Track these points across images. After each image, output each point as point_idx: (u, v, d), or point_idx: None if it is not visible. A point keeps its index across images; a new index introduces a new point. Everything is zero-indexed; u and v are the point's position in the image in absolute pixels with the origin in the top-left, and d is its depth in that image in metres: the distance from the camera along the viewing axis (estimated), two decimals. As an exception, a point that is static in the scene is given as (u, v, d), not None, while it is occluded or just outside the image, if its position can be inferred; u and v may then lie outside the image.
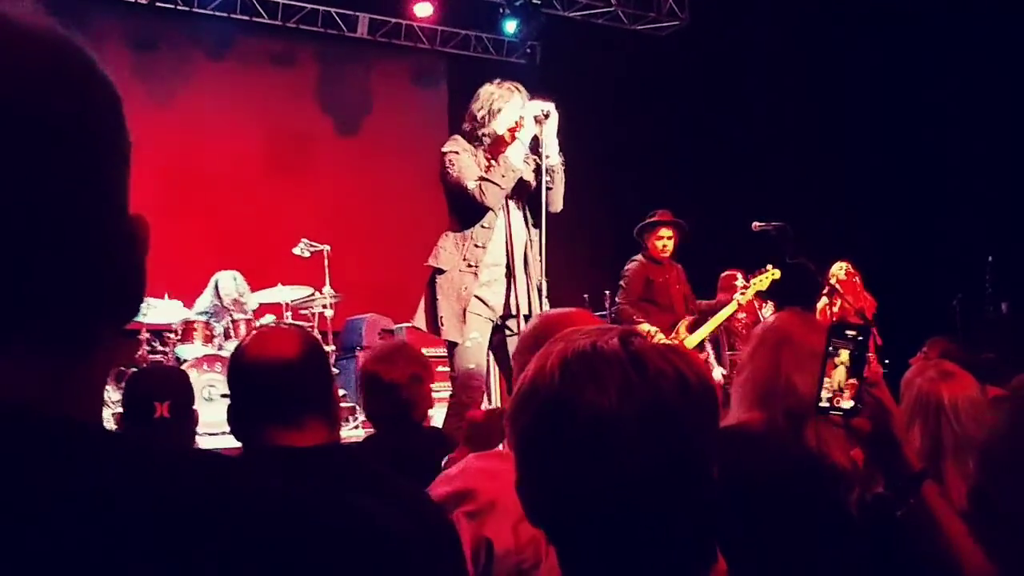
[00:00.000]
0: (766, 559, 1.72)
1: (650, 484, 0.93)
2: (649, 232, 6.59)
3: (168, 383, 2.94)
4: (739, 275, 7.46)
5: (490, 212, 4.36)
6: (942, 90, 8.27)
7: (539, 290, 4.39)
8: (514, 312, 4.37)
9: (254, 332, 1.97)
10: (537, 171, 4.41)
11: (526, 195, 4.52)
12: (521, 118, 4.33)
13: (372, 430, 3.47)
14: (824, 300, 7.33)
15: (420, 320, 4.47)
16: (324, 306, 7.55)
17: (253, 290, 7.88)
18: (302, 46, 10.64)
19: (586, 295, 8.44)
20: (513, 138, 4.35)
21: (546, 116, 4.29)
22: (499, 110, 4.41)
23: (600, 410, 0.92)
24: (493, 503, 1.81)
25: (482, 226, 4.38)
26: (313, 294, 7.73)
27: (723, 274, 7.72)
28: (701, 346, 6.39)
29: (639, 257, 6.63)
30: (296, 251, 7.65)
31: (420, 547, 0.66)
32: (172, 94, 9.94)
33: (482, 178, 4.29)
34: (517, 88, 4.49)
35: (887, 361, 7.02)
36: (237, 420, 1.87)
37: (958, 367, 2.37)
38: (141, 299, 0.67)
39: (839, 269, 7.41)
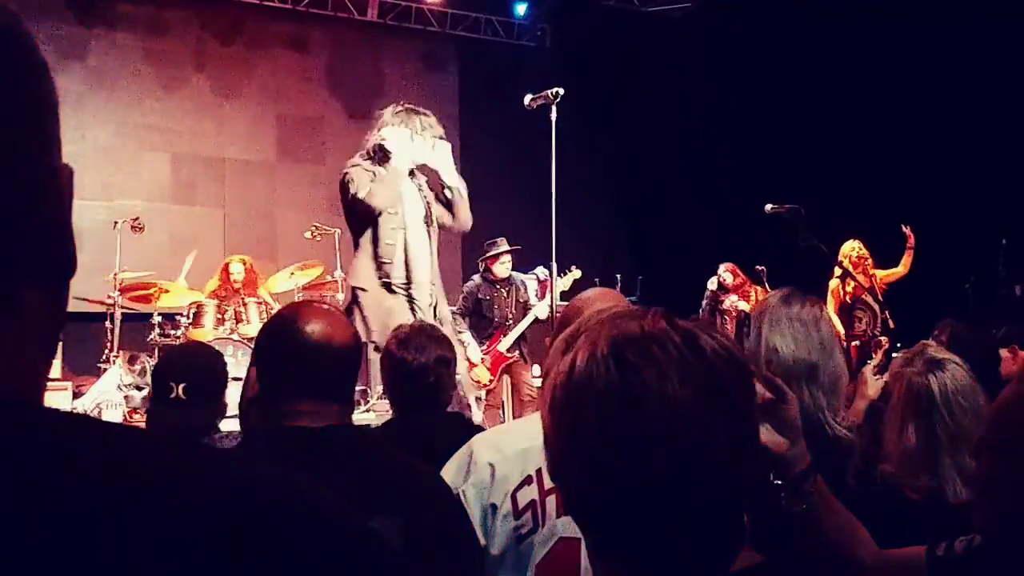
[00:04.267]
0: (770, 532, 1.71)
1: (711, 465, 0.92)
2: (493, 258, 7.28)
3: (187, 364, 2.94)
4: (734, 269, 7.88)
5: (392, 231, 4.89)
6: (957, 70, 8.21)
7: (433, 308, 4.97)
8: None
9: (300, 307, 1.92)
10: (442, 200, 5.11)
11: (430, 212, 5.09)
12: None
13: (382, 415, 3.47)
14: (836, 281, 7.33)
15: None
16: (335, 290, 7.56)
17: (264, 274, 7.90)
18: (312, 30, 10.63)
19: (597, 279, 8.42)
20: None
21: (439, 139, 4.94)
22: (387, 137, 4.98)
23: (663, 395, 0.90)
24: (492, 471, 1.85)
25: (387, 243, 4.88)
26: (324, 278, 7.74)
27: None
28: (516, 346, 7.28)
29: (475, 277, 7.43)
30: (307, 235, 7.66)
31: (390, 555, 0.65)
32: (183, 79, 9.95)
33: (376, 182, 4.87)
34: (413, 113, 5.03)
35: (899, 344, 7.00)
36: (268, 393, 1.83)
37: (947, 353, 2.33)
38: (69, 256, 0.63)
39: (851, 250, 7.39)
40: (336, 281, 7.47)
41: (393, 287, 4.87)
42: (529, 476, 1.83)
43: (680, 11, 10.80)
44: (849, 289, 7.25)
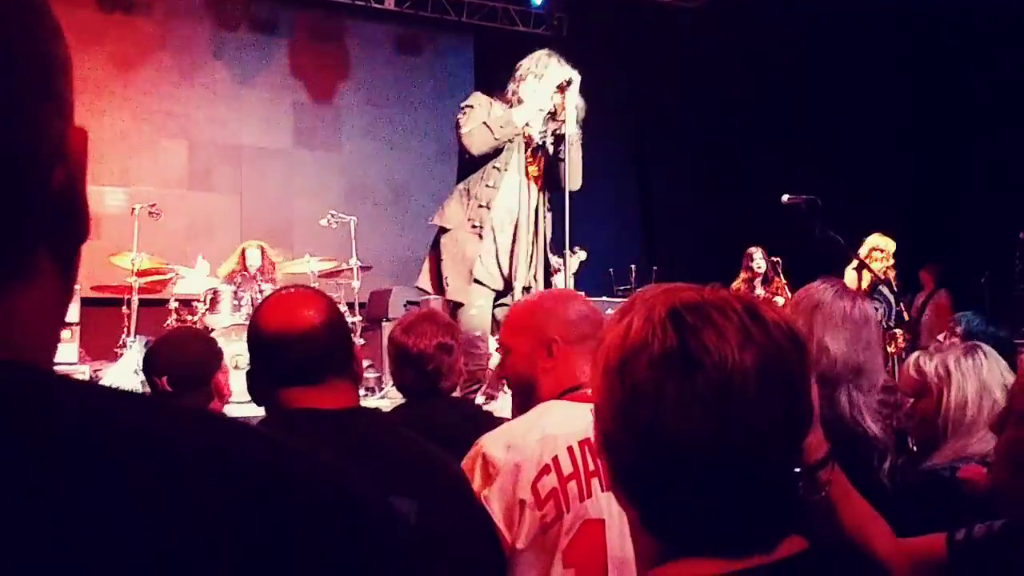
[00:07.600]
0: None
1: (764, 436, 0.90)
2: None
3: (166, 356, 2.92)
4: (759, 251, 7.68)
5: (495, 172, 4.34)
6: (974, 64, 8.14)
7: (547, 266, 4.39)
8: (512, 283, 4.36)
9: (270, 297, 1.93)
10: (557, 141, 4.39)
11: (544, 164, 4.46)
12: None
13: (396, 401, 3.47)
14: (852, 272, 7.28)
15: (424, 281, 4.48)
16: (350, 277, 7.57)
17: (281, 261, 7.92)
18: (329, 17, 10.63)
19: (611, 268, 8.42)
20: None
21: (568, 83, 4.26)
22: (538, 76, 4.43)
23: (723, 358, 0.89)
24: (516, 467, 1.83)
25: (487, 185, 4.35)
26: (340, 265, 7.76)
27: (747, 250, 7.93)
28: None
29: None
30: (323, 223, 7.68)
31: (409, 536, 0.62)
32: (201, 66, 9.99)
33: (483, 123, 4.33)
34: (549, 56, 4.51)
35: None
36: (259, 383, 1.85)
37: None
38: (82, 221, 0.61)
39: (875, 245, 7.33)
40: (352, 269, 7.49)
41: (482, 232, 4.31)
42: (547, 465, 1.83)
43: (697, 1, 10.73)
44: (867, 279, 7.21)
